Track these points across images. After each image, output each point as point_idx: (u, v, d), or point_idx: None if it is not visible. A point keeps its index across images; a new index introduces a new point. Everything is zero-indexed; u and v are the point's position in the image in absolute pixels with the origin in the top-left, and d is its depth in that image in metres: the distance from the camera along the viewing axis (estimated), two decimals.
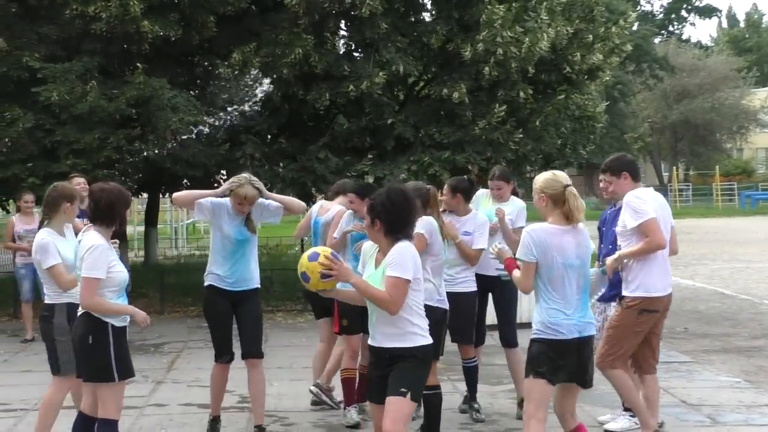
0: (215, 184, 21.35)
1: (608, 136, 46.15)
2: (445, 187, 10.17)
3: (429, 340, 7.10)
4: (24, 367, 13.51)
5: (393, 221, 6.94)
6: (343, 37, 19.77)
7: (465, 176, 11.49)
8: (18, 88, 17.38)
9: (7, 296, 19.16)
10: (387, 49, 18.07)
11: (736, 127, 74.74)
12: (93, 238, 7.36)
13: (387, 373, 7.01)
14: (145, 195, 24.75)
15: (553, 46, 18.19)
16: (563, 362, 7.19)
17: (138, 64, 17.20)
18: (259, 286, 9.71)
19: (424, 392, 8.15)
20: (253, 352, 9.46)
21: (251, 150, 18.18)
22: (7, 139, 16.72)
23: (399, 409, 6.90)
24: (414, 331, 6.98)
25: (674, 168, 75.43)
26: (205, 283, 9.53)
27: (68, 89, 16.52)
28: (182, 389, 11.98)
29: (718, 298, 20.16)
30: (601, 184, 9.82)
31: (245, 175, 9.52)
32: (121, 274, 7.47)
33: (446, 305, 9.12)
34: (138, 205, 37.44)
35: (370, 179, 19.06)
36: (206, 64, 18.41)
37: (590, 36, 18.99)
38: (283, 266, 25.16)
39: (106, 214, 7.48)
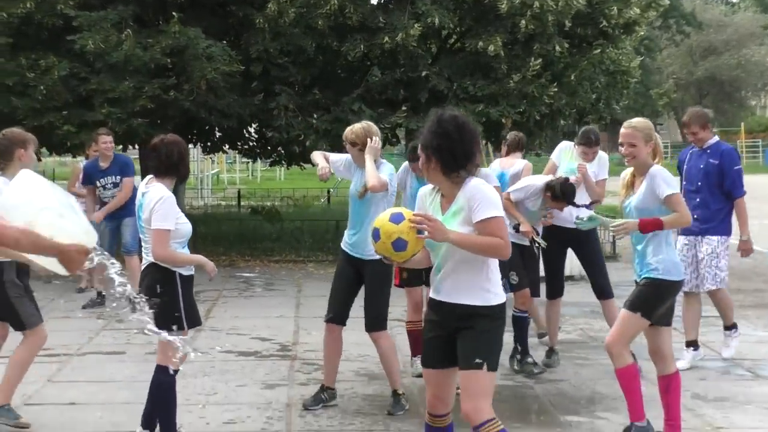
0: (246, 135, 21.38)
1: (634, 92, 45.95)
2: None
3: (503, 299, 6.07)
4: (62, 313, 13.54)
5: (451, 155, 5.84)
6: None
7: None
8: (52, 36, 17.33)
9: None
10: (422, 1, 17.95)
11: (761, 84, 74.49)
12: (161, 190, 7.24)
13: (449, 335, 6.09)
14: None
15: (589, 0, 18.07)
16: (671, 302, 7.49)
17: (173, 14, 17.12)
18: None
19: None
20: (368, 324, 9.01)
21: (285, 101, 18.11)
22: (42, 87, 16.60)
23: (478, 383, 5.96)
24: (489, 289, 6.00)
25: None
26: None
27: (103, 38, 16.46)
28: (221, 336, 11.99)
29: None
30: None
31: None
32: (186, 225, 7.39)
33: None
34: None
35: (403, 131, 19.05)
36: (241, 14, 18.25)
37: None
38: (311, 217, 25.20)
39: (176, 166, 7.43)
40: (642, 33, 21.52)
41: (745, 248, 10.59)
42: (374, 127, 9.09)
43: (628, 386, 7.50)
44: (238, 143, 22.31)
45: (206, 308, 13.96)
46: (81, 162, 15.63)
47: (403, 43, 17.66)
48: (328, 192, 33.51)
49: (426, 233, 5.68)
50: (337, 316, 8.99)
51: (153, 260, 7.31)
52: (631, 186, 7.66)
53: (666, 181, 7.39)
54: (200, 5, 18.16)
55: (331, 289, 9.19)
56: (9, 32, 16.95)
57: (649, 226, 7.28)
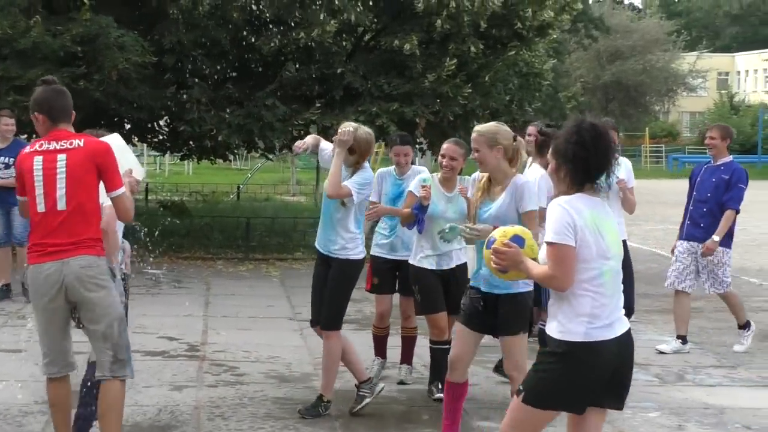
0: (156, 128, 20.98)
1: (545, 94, 46.47)
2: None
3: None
4: None
5: (584, 168, 5.39)
6: None
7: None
8: None
9: None
10: None
11: (665, 90, 75.67)
12: None
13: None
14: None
15: (506, 1, 17.98)
16: None
17: (84, 1, 16.62)
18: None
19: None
20: (323, 322, 8.67)
21: (198, 94, 17.83)
22: None
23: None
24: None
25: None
26: None
27: (11, 23, 16.09)
28: (133, 337, 11.66)
29: (654, 259, 20.24)
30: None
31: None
32: None
33: None
34: None
35: (317, 128, 18.84)
36: (154, 3, 17.90)
37: None
38: (221, 213, 24.89)
39: None
40: (555, 36, 21.56)
41: (710, 248, 11.31)
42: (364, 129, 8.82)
43: None
44: (148, 136, 21.83)
45: None
46: None
47: (319, 39, 17.45)
48: (238, 188, 33.18)
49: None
50: (313, 321, 8.92)
51: None
52: (486, 190, 7.40)
53: (530, 196, 7.30)
54: None
55: (311, 290, 9.01)
56: None
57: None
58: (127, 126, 20.58)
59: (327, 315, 8.59)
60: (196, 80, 18.30)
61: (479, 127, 7.43)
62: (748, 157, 58.33)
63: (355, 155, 8.36)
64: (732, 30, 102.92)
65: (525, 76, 21.16)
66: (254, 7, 17.59)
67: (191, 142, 20.49)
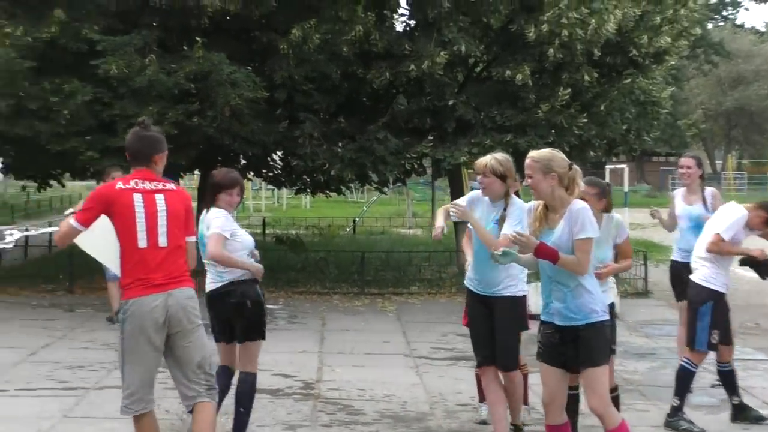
0: (271, 162, 21.13)
1: (663, 123, 46.05)
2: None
3: None
4: (82, 344, 13.29)
5: None
6: (404, 15, 19.42)
7: None
8: (77, 61, 17.19)
9: (63, 269, 19.05)
10: (449, 29, 17.77)
11: None
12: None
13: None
14: (197, 172, 24.61)
15: (620, 28, 17.83)
16: None
17: (197, 39, 16.90)
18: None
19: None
20: (503, 364, 8.58)
21: (310, 129, 17.90)
22: (66, 112, 16.43)
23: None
24: None
25: (728, 156, 74.75)
26: None
27: (127, 62, 16.31)
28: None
29: None
30: None
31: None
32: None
33: None
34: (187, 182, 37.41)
35: (430, 161, 18.82)
36: (265, 39, 18.09)
37: (658, 18, 18.63)
38: (337, 247, 24.93)
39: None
40: (672, 62, 21.20)
41: None
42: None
43: None
44: (263, 171, 22.05)
45: None
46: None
47: (429, 71, 17.42)
48: (354, 221, 33.27)
49: None
50: (487, 358, 8.61)
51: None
52: (543, 219, 7.10)
53: (585, 222, 6.93)
54: (224, 30, 17.95)
55: (471, 333, 8.83)
56: (33, 56, 16.83)
57: (544, 254, 6.84)
58: (243, 161, 20.80)
59: (507, 357, 8.52)
60: (308, 114, 18.33)
61: (534, 153, 7.13)
62: None
63: (505, 184, 8.30)
64: None
65: (642, 105, 20.84)
66: (364, 41, 17.57)
67: (305, 177, 20.56)
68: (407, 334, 14.56)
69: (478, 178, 8.34)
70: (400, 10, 19.28)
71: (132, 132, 7.11)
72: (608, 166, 36.86)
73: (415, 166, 20.08)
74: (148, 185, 6.92)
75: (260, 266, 8.40)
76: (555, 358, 6.99)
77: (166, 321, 6.85)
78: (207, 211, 8.43)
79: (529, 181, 7.00)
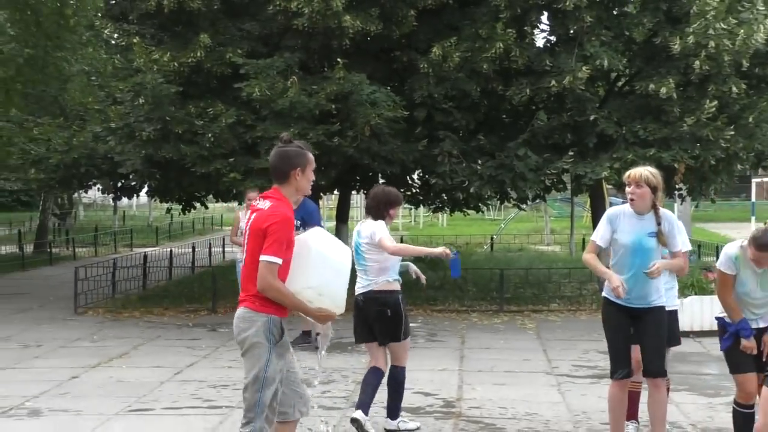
0: (410, 181, 21.16)
1: None
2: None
3: None
4: (226, 362, 13.46)
5: None
6: (544, 30, 19.28)
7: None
8: (221, 84, 17.58)
9: (206, 290, 19.35)
10: (591, 43, 17.58)
11: None
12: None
13: None
14: (337, 192, 24.80)
15: None
16: None
17: (338, 60, 17.09)
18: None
19: None
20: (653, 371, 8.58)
21: (449, 147, 17.88)
22: (210, 135, 16.79)
23: None
24: None
25: None
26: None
27: (269, 85, 16.54)
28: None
29: None
30: None
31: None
32: None
33: None
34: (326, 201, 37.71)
35: (570, 177, 18.61)
36: (405, 59, 18.16)
37: None
38: (475, 265, 24.83)
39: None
40: None
41: None
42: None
43: None
44: (401, 189, 22.03)
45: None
46: (242, 209, 15.67)
47: (571, 86, 17.24)
48: (492, 238, 33.12)
49: None
50: (629, 372, 8.67)
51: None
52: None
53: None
54: (364, 51, 18.06)
55: (612, 344, 8.79)
56: (179, 81, 17.25)
57: None
58: (381, 180, 20.86)
59: (657, 361, 8.47)
60: (447, 132, 18.30)
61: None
62: None
63: (654, 197, 8.23)
64: None
65: None
66: (504, 57, 17.48)
67: (443, 195, 20.52)
68: (548, 352, 14.40)
69: (629, 188, 8.19)
70: (541, 26, 19.17)
71: (274, 150, 7.04)
72: (755, 180, 35.93)
73: (555, 182, 19.90)
74: (259, 203, 6.88)
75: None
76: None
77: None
78: (364, 222, 9.50)
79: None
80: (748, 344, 8.09)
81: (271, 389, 6.76)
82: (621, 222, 8.35)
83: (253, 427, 6.77)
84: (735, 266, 8.21)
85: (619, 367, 8.47)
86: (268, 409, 6.81)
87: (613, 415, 8.72)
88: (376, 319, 9.38)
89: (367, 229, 9.34)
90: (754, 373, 8.30)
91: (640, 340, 8.49)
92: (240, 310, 6.82)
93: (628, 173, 8.53)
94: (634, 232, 8.19)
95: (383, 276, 9.42)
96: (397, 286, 9.47)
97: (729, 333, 8.22)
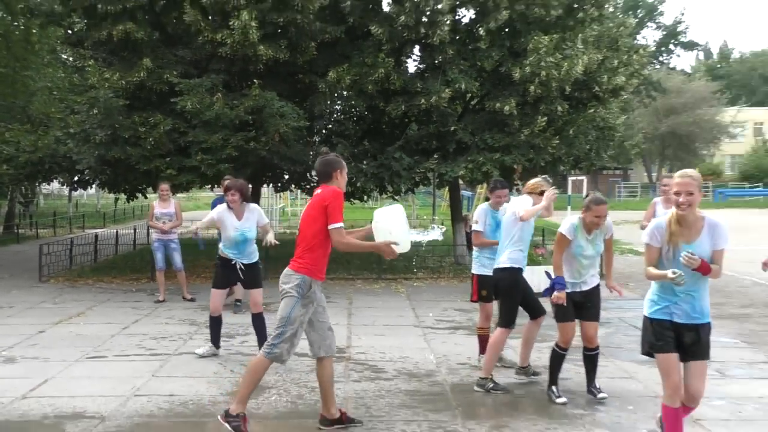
0: (309, 177, 21.02)
1: (617, 144, 45.95)
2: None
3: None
4: (163, 320, 13.21)
5: None
6: (416, 60, 19.31)
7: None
8: (159, 99, 17.26)
9: (146, 263, 19.03)
10: (452, 71, 17.68)
11: (710, 137, 74.27)
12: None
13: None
14: (250, 186, 24.53)
15: (586, 69, 17.76)
16: None
17: (254, 80, 17.00)
18: None
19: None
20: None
21: (341, 150, 17.76)
22: (151, 139, 16.53)
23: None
24: None
25: (661, 169, 75.02)
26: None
27: (199, 99, 16.32)
28: None
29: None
30: None
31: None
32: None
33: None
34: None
35: (434, 175, 18.71)
36: (307, 80, 18.05)
37: (615, 62, 18.56)
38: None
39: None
40: (626, 97, 21.11)
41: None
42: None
43: None
44: (302, 183, 21.94)
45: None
46: (155, 201, 15.57)
47: (436, 104, 17.35)
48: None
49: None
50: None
51: None
52: (677, 233, 6.18)
53: (727, 236, 6.21)
54: (275, 74, 17.85)
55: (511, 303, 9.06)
56: (126, 96, 16.94)
57: (704, 269, 6.07)
58: (286, 176, 20.69)
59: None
60: (340, 139, 18.29)
61: (690, 172, 6.17)
62: None
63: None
64: (765, 88, 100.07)
65: (601, 130, 20.69)
66: (385, 80, 17.48)
67: None
68: (416, 309, 14.35)
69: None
70: (413, 56, 19.17)
71: (317, 161, 7.32)
72: (570, 178, 36.80)
73: (423, 178, 19.97)
74: (315, 193, 7.28)
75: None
76: (669, 346, 6.27)
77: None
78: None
79: (689, 197, 6.06)
80: (560, 295, 8.15)
81: (291, 328, 7.06)
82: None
83: (271, 350, 7.12)
84: (574, 232, 8.33)
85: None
86: (287, 342, 7.10)
87: (494, 352, 8.93)
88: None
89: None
90: (574, 323, 8.39)
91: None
92: (286, 269, 7.20)
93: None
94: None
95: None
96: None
97: (550, 284, 8.30)
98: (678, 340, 6.25)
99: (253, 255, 10.49)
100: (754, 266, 12.13)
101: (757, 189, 64.29)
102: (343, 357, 10.52)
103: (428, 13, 17.24)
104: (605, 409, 8.22)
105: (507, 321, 8.93)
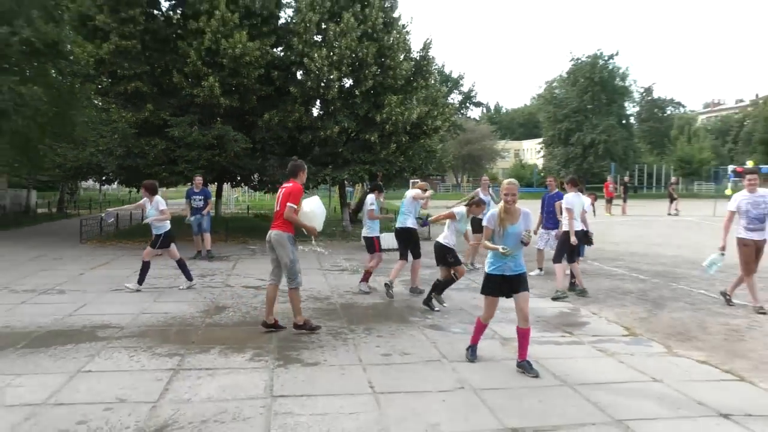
0: (253, 179, 20.55)
1: (437, 162, 46.55)
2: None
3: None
4: (161, 267, 12.67)
5: None
6: (318, 108, 19.18)
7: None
8: (157, 129, 16.61)
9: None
10: (339, 115, 17.59)
11: (490, 158, 75.70)
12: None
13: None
14: (216, 183, 23.94)
15: (418, 116, 17.89)
16: None
17: (218, 118, 16.52)
18: None
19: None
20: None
21: (273, 163, 17.58)
22: (152, 154, 16.01)
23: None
24: None
25: (463, 176, 76.48)
26: None
27: (182, 130, 15.82)
28: (242, 279, 11.36)
29: None
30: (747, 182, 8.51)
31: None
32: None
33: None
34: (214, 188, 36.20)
35: (330, 179, 18.59)
36: (251, 119, 17.70)
37: (435, 113, 18.69)
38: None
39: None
40: (442, 133, 21.45)
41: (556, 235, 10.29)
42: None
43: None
44: (249, 183, 21.52)
45: (232, 264, 13.29)
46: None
47: (330, 135, 17.25)
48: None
49: None
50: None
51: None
52: (502, 222, 5.90)
53: (532, 220, 6.05)
54: (231, 115, 17.39)
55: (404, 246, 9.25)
56: (136, 127, 16.29)
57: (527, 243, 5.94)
58: (238, 178, 20.24)
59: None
60: (272, 156, 17.93)
61: (514, 180, 5.94)
62: (532, 189, 58.15)
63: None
64: (520, 129, 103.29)
65: (428, 152, 20.91)
66: (299, 120, 17.33)
67: (269, 185, 20.03)
68: (319, 260, 14.18)
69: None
70: (316, 106, 19.00)
71: (289, 164, 7.39)
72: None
73: (323, 180, 19.85)
74: (285, 185, 7.23)
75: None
76: (499, 292, 6.02)
77: (269, 242, 7.20)
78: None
79: (514, 197, 5.86)
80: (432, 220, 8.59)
81: (298, 263, 7.24)
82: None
83: (297, 282, 7.21)
84: (464, 217, 8.40)
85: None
86: (299, 272, 7.23)
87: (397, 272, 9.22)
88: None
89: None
90: (448, 269, 7.98)
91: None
92: (274, 231, 7.12)
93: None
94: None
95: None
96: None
97: (423, 223, 8.43)
98: (509, 286, 5.94)
99: (161, 228, 9.78)
100: None
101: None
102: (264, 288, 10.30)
103: (324, 81, 17.13)
104: (433, 318, 8.19)
105: (403, 255, 9.48)
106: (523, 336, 5.89)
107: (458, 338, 7.16)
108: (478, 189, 12.38)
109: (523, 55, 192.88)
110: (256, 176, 21.19)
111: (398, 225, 9.49)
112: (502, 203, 5.96)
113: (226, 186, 28.18)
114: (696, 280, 11.04)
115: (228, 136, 16.18)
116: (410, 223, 9.39)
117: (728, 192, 30.94)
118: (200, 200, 13.94)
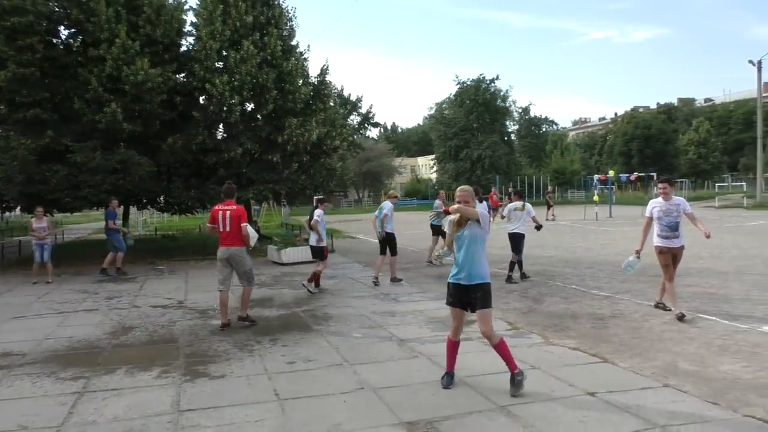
0: (159, 201, 19.71)
1: (338, 179, 46.54)
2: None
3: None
4: (65, 292, 11.87)
5: None
6: (221, 131, 18.73)
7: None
8: (58, 155, 15.50)
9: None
10: (242, 137, 17.29)
11: (388, 174, 76.42)
12: None
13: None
14: (122, 206, 22.68)
15: (318, 137, 17.84)
16: None
17: (121, 143, 15.74)
18: None
19: None
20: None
21: (178, 184, 16.97)
22: (54, 180, 14.86)
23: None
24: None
25: (365, 191, 76.98)
26: None
27: (85, 155, 14.93)
28: (148, 298, 10.86)
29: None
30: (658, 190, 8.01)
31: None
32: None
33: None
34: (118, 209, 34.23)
35: (236, 198, 18.15)
36: (155, 143, 16.93)
37: (334, 133, 18.73)
38: (192, 238, 23.51)
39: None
40: (341, 151, 21.55)
41: None
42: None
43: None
44: (155, 205, 20.53)
45: (140, 284, 12.71)
46: (35, 218, 13.78)
47: (234, 157, 16.89)
48: (200, 227, 31.62)
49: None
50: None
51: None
52: (459, 224, 5.46)
53: (488, 222, 5.57)
54: (135, 139, 16.48)
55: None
56: (35, 153, 15.02)
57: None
58: (144, 200, 19.33)
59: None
60: (177, 178, 17.28)
61: (465, 187, 5.49)
62: (427, 202, 59.22)
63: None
64: (416, 147, 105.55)
65: (328, 170, 20.72)
66: (202, 142, 16.82)
67: (175, 206, 19.25)
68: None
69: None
70: (220, 130, 18.52)
71: (225, 186, 8.18)
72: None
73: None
74: (227, 207, 8.02)
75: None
76: (458, 303, 5.54)
77: (228, 259, 8.02)
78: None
79: (467, 203, 5.40)
80: None
81: (253, 270, 8.23)
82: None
83: (252, 283, 8.24)
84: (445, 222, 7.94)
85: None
86: (254, 275, 8.28)
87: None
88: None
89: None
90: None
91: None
92: (234, 248, 7.97)
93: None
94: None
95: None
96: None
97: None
98: (466, 297, 5.45)
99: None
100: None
101: (412, 201, 67.21)
102: (181, 306, 9.95)
103: (227, 105, 16.80)
104: (335, 325, 8.19)
105: (382, 252, 11.55)
106: (499, 351, 5.43)
107: (358, 342, 7.24)
108: (438, 201, 14.40)
109: (416, 79, 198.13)
110: (162, 198, 20.36)
111: (387, 230, 11.39)
112: (455, 215, 5.52)
113: (133, 208, 26.80)
114: (569, 277, 11.71)
115: (132, 160, 15.44)
116: (389, 228, 11.44)
117: (596, 198, 32.99)
118: (43, 229, 13.35)
